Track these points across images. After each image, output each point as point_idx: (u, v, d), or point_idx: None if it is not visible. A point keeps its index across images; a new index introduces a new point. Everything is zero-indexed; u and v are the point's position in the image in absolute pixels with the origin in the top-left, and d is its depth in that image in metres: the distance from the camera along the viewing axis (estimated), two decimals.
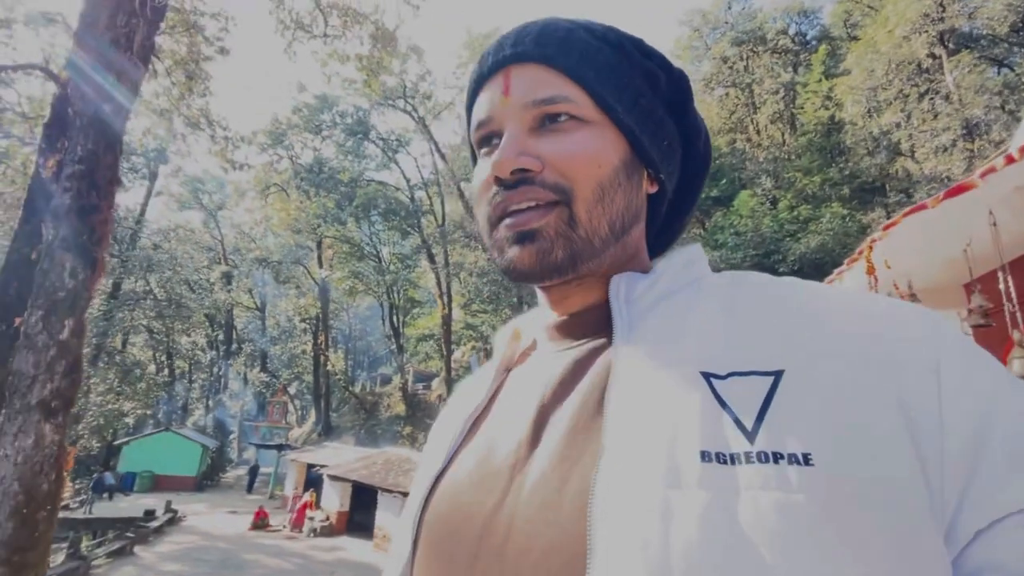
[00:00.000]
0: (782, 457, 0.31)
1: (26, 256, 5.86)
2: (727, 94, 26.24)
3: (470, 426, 0.49)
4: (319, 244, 29.66)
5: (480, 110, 0.49)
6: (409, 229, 28.92)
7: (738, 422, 0.33)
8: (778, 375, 0.35)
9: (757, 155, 24.07)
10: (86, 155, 4.72)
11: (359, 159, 30.53)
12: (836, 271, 3.83)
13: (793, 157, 21.86)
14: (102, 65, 4.96)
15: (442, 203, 27.79)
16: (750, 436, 0.32)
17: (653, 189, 0.50)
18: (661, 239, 0.57)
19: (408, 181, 29.68)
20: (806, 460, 0.30)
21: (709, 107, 26.34)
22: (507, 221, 0.45)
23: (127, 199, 29.24)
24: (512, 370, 0.53)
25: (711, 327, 0.40)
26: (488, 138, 0.48)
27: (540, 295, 0.52)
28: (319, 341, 31.08)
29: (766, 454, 0.31)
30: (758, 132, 25.25)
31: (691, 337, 0.40)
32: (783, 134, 24.15)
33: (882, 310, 0.38)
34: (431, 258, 26.97)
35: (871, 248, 3.24)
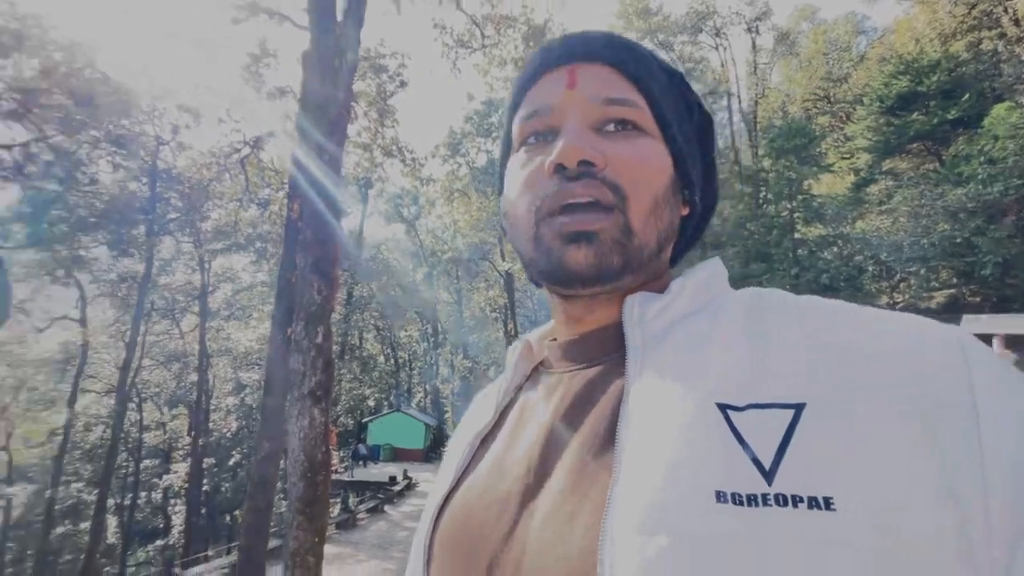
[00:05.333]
0: (801, 500, 0.29)
1: (288, 280, 7.63)
2: None
3: (479, 444, 0.49)
4: (500, 239, 31.80)
5: (537, 98, 0.47)
6: None
7: (756, 460, 0.31)
8: (799, 408, 0.32)
9: (1018, 53, 18.35)
10: (317, 195, 5.93)
11: None
12: None
13: None
14: (319, 121, 6.14)
15: None
16: (768, 476, 0.30)
17: (685, 212, 0.50)
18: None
19: None
20: (827, 504, 0.29)
21: (935, 7, 20.90)
22: (563, 218, 0.43)
23: (348, 222, 35.38)
24: (523, 388, 0.51)
25: (730, 354, 0.38)
26: (542, 132, 0.46)
27: (557, 307, 0.51)
28: (508, 328, 33.46)
29: (784, 497, 0.29)
30: (1016, 23, 19.19)
31: (708, 364, 0.38)
32: None
33: (909, 336, 0.35)
34: None
35: None
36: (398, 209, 42.51)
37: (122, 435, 21.92)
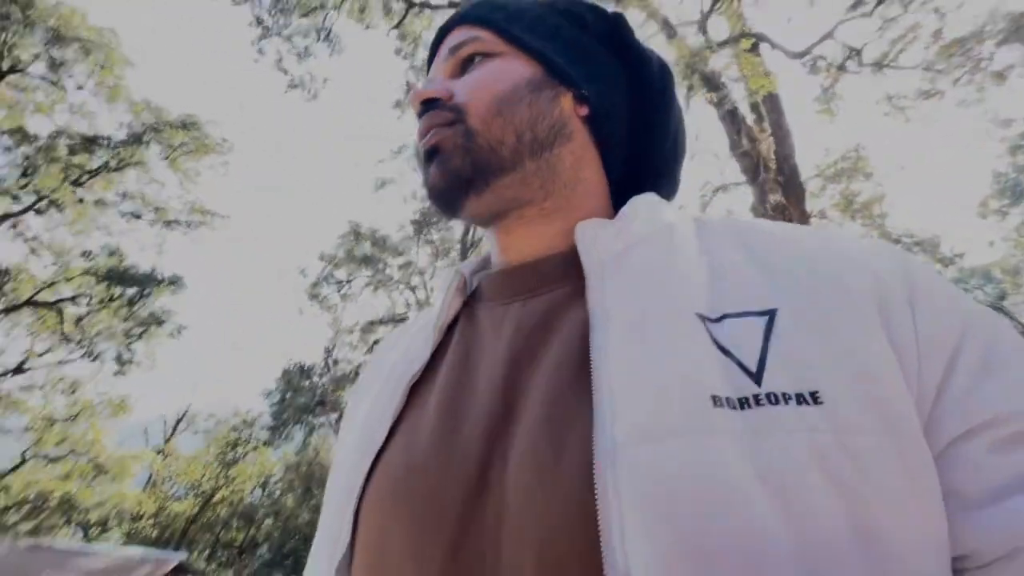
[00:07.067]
0: (790, 398, 0.30)
1: None
2: None
3: (409, 392, 0.43)
4: None
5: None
6: None
7: (741, 365, 0.32)
8: (772, 314, 0.34)
9: None
10: None
11: None
12: None
13: None
14: None
15: None
16: (756, 378, 0.31)
17: (583, 111, 0.49)
18: (648, 184, 0.52)
19: None
20: (814, 399, 0.30)
21: None
22: (420, 147, 0.47)
23: None
24: (458, 326, 0.46)
25: (693, 271, 0.39)
26: None
27: (489, 240, 0.51)
28: None
29: (775, 395, 0.31)
30: None
31: (673, 282, 0.38)
32: None
33: (855, 245, 0.39)
34: None
35: None
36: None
37: None
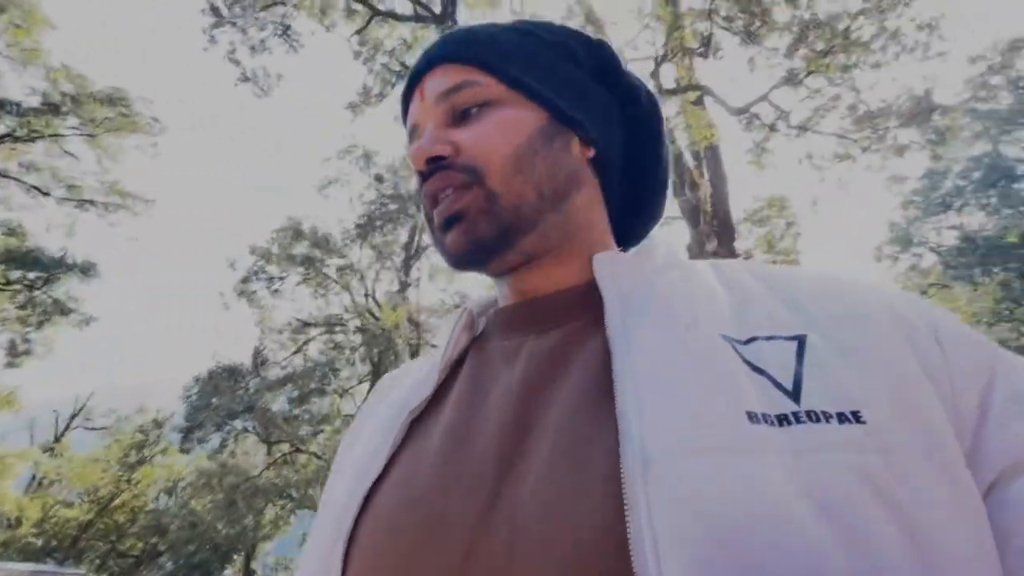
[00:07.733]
0: (831, 417, 0.30)
1: None
2: None
3: (408, 426, 0.42)
4: None
5: (408, 123, 0.50)
6: None
7: (776, 383, 0.32)
8: (801, 339, 0.34)
9: None
10: None
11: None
12: None
13: None
14: None
15: None
16: (794, 396, 0.31)
17: (590, 153, 0.49)
18: (635, 219, 0.54)
19: None
20: (857, 418, 0.29)
21: None
22: (435, 212, 0.45)
23: None
24: (466, 362, 0.45)
25: (715, 298, 0.39)
26: None
27: (499, 287, 0.50)
28: None
29: (815, 414, 0.30)
30: None
31: (696, 306, 0.38)
32: None
33: (876, 288, 0.39)
34: None
35: None
36: None
37: None
